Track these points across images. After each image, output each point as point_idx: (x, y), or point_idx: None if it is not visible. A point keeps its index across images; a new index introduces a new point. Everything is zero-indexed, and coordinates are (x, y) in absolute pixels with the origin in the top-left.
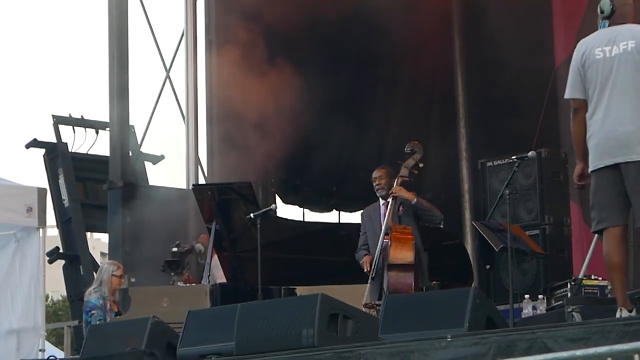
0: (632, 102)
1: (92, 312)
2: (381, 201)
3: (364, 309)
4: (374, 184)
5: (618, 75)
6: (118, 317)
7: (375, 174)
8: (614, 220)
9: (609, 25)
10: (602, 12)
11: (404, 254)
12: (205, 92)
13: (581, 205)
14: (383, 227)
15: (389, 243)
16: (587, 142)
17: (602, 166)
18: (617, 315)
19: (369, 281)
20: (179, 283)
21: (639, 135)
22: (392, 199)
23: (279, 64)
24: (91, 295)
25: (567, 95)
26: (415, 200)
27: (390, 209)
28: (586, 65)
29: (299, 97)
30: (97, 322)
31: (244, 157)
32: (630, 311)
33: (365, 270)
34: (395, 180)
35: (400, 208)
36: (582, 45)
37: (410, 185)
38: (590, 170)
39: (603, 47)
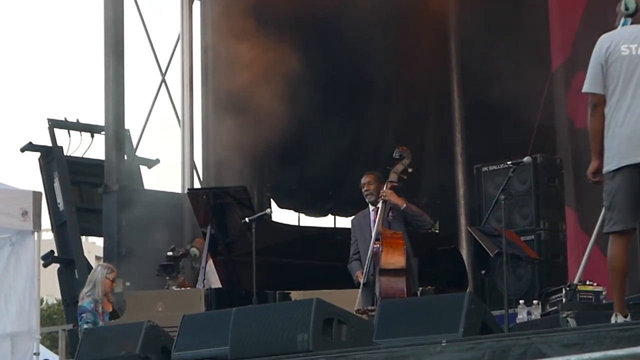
0: None
1: (83, 314)
2: (370, 207)
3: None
4: (363, 190)
5: None
6: (114, 319)
7: (363, 179)
8: (628, 223)
9: (631, 24)
10: (626, 9)
11: (395, 259)
12: (201, 96)
13: (577, 210)
14: (373, 233)
15: (380, 248)
16: (606, 140)
17: (625, 164)
18: (612, 320)
19: (361, 287)
20: (173, 287)
21: None
22: (382, 204)
23: (276, 69)
24: (84, 300)
25: (586, 89)
26: (405, 205)
27: (380, 214)
28: (610, 61)
29: (296, 102)
30: (86, 325)
31: (240, 162)
32: (625, 317)
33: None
34: (385, 186)
35: (390, 213)
36: (606, 40)
37: (401, 190)
38: (611, 169)
39: (629, 44)
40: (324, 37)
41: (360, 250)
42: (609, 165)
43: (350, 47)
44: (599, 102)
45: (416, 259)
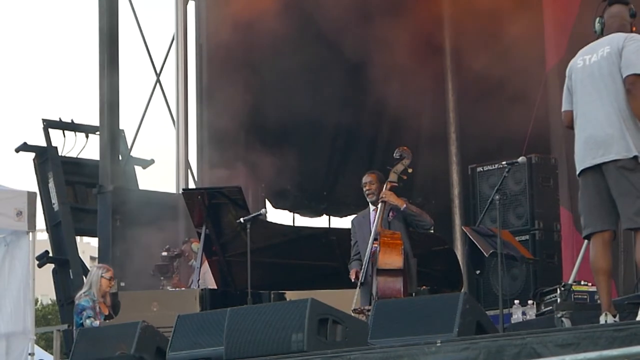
0: (608, 105)
1: (83, 312)
2: (371, 207)
3: (353, 314)
4: (364, 189)
5: (594, 80)
6: (109, 320)
7: (365, 179)
8: (598, 226)
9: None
10: (595, 32)
11: (392, 259)
12: (196, 97)
13: (572, 210)
14: (372, 233)
15: (378, 248)
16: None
17: (584, 167)
18: (602, 320)
19: (358, 286)
20: (168, 287)
21: (616, 137)
22: (382, 204)
23: (272, 70)
24: (81, 298)
25: (562, 109)
26: (405, 206)
27: (379, 214)
28: (573, 77)
29: (291, 102)
30: (88, 320)
31: (234, 161)
32: (614, 316)
33: (353, 280)
34: (384, 186)
35: (390, 214)
36: (573, 59)
37: (399, 190)
38: (578, 175)
39: (585, 56)
40: (321, 36)
41: (360, 249)
42: (577, 172)
43: (344, 48)
44: (567, 118)
45: (415, 259)
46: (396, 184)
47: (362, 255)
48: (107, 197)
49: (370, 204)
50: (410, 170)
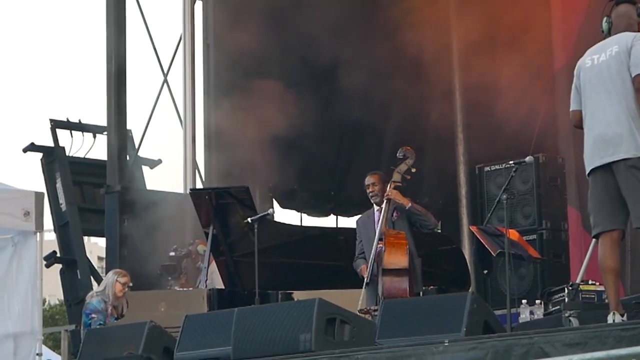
0: (616, 105)
1: (92, 315)
2: (375, 207)
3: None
4: (368, 191)
5: (602, 79)
6: (117, 320)
7: (368, 180)
8: (607, 225)
9: None
10: (603, 31)
11: (398, 259)
12: (203, 96)
13: (580, 210)
14: (377, 233)
15: (383, 248)
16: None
17: (594, 167)
18: (609, 319)
19: (364, 287)
20: (176, 287)
21: (625, 136)
22: (386, 203)
23: (278, 68)
24: (93, 298)
25: (570, 108)
26: (410, 205)
27: (383, 214)
28: (581, 76)
29: (298, 102)
30: (97, 327)
31: (242, 161)
32: (622, 315)
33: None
34: (388, 186)
35: (395, 213)
36: (581, 58)
37: (403, 190)
38: (587, 175)
39: (593, 55)
40: (325, 36)
41: (365, 249)
42: (586, 171)
43: (352, 45)
44: (575, 118)
45: (420, 259)
46: (400, 184)
47: (367, 255)
48: (114, 197)
49: (374, 204)
50: (413, 170)
